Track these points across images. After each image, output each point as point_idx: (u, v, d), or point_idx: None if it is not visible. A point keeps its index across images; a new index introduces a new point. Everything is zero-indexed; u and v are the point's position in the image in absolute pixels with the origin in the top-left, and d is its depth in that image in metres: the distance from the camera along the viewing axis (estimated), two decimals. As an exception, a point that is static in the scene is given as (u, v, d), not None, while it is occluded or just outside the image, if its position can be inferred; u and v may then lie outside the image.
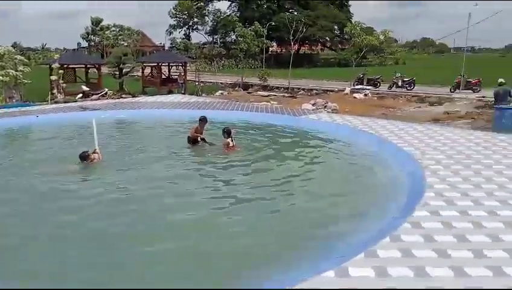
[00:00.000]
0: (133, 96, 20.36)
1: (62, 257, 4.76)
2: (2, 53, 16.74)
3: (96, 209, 6.13)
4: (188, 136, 10.11)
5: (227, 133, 9.46)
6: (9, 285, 4.19)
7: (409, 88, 24.46)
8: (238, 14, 56.29)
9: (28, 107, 14.95)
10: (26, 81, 17.14)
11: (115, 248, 5.02)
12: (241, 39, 28.47)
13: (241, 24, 30.38)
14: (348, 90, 24.56)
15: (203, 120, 10.04)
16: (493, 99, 14.34)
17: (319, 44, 62.68)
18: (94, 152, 8.37)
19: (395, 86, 25.14)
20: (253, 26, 28.90)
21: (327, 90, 25.89)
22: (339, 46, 57.74)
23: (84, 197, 6.59)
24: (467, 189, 5.88)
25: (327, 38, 58.31)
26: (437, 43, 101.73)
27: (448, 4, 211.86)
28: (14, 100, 16.58)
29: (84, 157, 8.18)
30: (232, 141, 9.44)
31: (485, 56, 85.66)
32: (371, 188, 6.99)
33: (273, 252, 4.88)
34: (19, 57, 17.89)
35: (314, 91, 26.29)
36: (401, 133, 9.87)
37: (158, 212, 6.08)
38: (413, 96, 22.47)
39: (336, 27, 55.82)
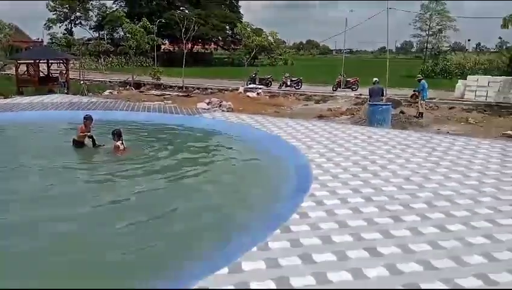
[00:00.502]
0: (5, 97, 18.09)
1: None
2: None
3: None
4: (73, 139, 9.36)
5: (117, 135, 8.96)
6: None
7: (297, 87, 25.97)
8: (125, 10, 53.67)
9: None
10: None
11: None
12: (130, 36, 27.19)
13: (128, 20, 28.92)
14: (241, 89, 25.12)
15: (88, 118, 9.36)
16: (369, 96, 15.94)
17: (212, 43, 63.10)
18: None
19: (284, 85, 26.48)
20: (141, 23, 27.76)
21: (222, 90, 26.15)
22: (232, 45, 58.79)
23: None
24: (347, 178, 6.43)
25: (220, 37, 59.00)
26: (321, 45, 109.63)
27: (329, 8, 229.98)
28: None
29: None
30: (122, 143, 8.98)
31: (361, 57, 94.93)
32: (262, 183, 7.25)
33: (167, 253, 4.77)
34: None
35: (209, 90, 26.36)
36: (290, 130, 10.41)
37: (38, 224, 5.49)
38: (301, 94, 23.89)
39: (227, 27, 56.80)
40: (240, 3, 62.11)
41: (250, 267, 3.81)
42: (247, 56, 29.88)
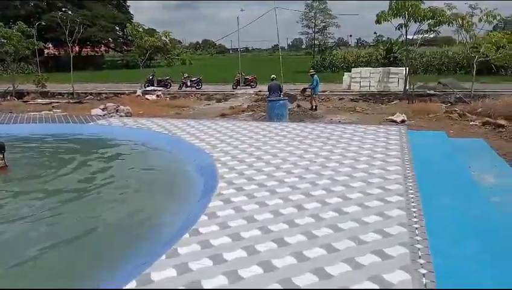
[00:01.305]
0: None
1: None
2: None
3: None
4: None
5: None
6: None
7: (197, 87, 25.84)
8: (-2, 13, 48.02)
9: None
10: None
11: None
12: (5, 41, 24.37)
13: (2, 24, 25.88)
14: (139, 92, 24.17)
15: None
16: (267, 92, 16.51)
17: (102, 45, 59.63)
18: None
19: (184, 85, 26.16)
20: (17, 26, 25.07)
21: (118, 93, 24.87)
22: (124, 47, 56.23)
23: None
24: (252, 174, 6.56)
25: (110, 39, 56.03)
26: (217, 44, 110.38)
27: (218, 8, 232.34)
28: None
29: None
30: (2, 158, 8.01)
31: (256, 55, 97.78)
32: (167, 187, 7.05)
33: (64, 273, 4.37)
34: None
35: (104, 95, 24.90)
36: (193, 130, 10.30)
37: None
38: (202, 94, 23.84)
39: (117, 28, 54.21)
40: (129, 3, 59.69)
41: (159, 277, 3.66)
42: (142, 57, 28.78)
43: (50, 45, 52.94)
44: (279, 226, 4.63)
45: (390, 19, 19.08)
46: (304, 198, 5.46)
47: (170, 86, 26.81)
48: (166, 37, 29.78)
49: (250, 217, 4.89)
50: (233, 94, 23.41)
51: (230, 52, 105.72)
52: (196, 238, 4.40)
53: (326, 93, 21.27)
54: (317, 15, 57.73)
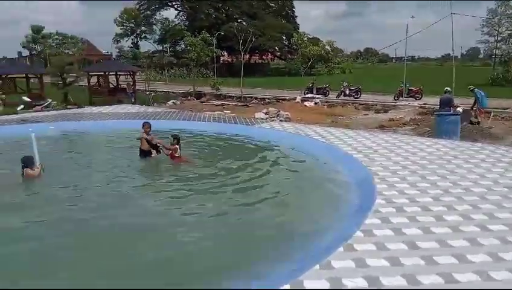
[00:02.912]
0: (79, 107, 19.42)
1: None
2: None
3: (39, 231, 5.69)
4: (140, 148, 9.66)
5: (176, 139, 9.23)
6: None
7: (356, 96, 25.31)
8: (186, 23, 55.93)
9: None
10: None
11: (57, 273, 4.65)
12: (191, 48, 28.18)
13: (189, 33, 30.04)
14: (299, 98, 24.95)
15: (145, 125, 9.51)
16: (438, 106, 15.21)
17: (269, 54, 63.71)
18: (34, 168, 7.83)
19: (343, 94, 25.91)
20: (201, 35, 28.67)
21: (279, 99, 26.16)
22: (288, 55, 58.95)
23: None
24: (415, 195, 6.05)
25: (276, 48, 59.46)
26: (380, 53, 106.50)
27: (387, 16, 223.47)
28: None
29: (27, 161, 7.73)
30: (179, 149, 9.21)
31: (423, 65, 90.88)
32: (323, 197, 7.02)
33: (225, 269, 4.71)
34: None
35: (267, 100, 26.51)
36: (350, 141, 10.09)
37: (108, 234, 5.73)
38: (360, 104, 23.23)
39: (284, 37, 57.13)
40: (297, 13, 62.31)
41: (312, 286, 3.66)
42: (304, 65, 29.69)
43: (225, 53, 59.08)
44: (446, 259, 4.12)
45: None
46: (478, 231, 4.77)
47: (328, 94, 26.93)
48: (329, 46, 30.13)
49: (411, 243, 4.49)
50: (394, 105, 22.16)
51: (394, 60, 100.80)
52: (350, 254, 4.26)
53: (508, 110, 18.37)
54: (503, 21, 50.38)
